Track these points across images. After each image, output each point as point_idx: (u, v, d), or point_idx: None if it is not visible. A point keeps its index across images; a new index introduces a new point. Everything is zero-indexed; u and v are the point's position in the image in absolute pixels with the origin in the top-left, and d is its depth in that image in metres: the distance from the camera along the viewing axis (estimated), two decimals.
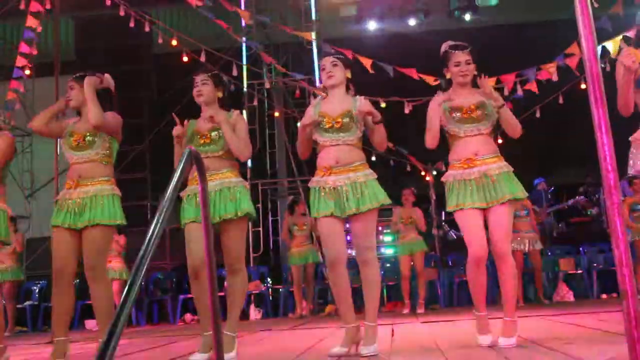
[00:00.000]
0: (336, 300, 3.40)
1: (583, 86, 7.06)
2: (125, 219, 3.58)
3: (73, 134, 3.58)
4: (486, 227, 3.29)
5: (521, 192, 3.24)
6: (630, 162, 3.12)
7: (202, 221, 1.90)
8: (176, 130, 3.45)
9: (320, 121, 3.30)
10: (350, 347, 3.22)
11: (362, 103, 3.32)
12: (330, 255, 3.27)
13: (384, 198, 3.26)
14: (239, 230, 3.41)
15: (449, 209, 3.31)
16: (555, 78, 7.62)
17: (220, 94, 3.56)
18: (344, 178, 3.24)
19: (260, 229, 10.20)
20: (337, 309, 3.46)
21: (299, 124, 3.35)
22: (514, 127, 3.28)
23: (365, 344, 3.16)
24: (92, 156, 3.53)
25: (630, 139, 3.12)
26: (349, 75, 3.42)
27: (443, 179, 3.38)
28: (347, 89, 3.44)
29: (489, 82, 3.31)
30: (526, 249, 7.48)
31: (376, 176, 3.33)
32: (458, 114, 3.28)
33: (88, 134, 3.55)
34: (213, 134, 3.45)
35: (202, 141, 3.44)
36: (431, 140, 3.34)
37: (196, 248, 3.33)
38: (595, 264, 8.53)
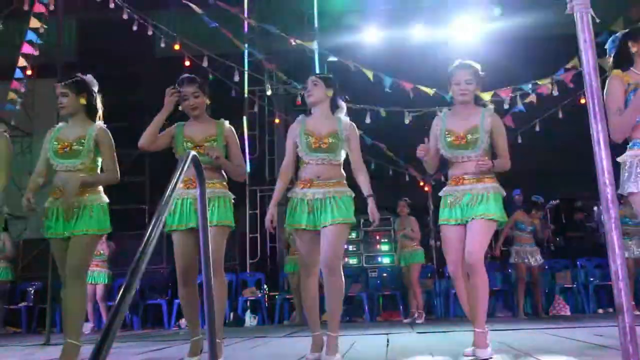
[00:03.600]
0: (307, 310, 3.45)
1: (583, 101, 7.09)
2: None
3: (59, 140, 3.48)
4: None
5: (495, 215, 3.27)
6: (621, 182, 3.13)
7: (200, 225, 1.90)
8: (172, 101, 3.44)
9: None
10: (321, 352, 3.32)
11: (347, 126, 3.44)
12: (305, 266, 3.40)
13: (352, 218, 3.35)
14: (220, 236, 3.39)
15: (439, 222, 3.49)
16: (555, 92, 7.65)
17: (208, 101, 3.56)
18: (323, 192, 3.33)
19: (257, 235, 10.18)
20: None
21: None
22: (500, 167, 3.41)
23: (328, 353, 3.20)
24: (78, 165, 3.45)
25: (618, 159, 3.13)
26: (330, 94, 3.48)
27: (440, 193, 3.53)
28: (334, 107, 3.50)
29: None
30: (529, 262, 7.51)
31: (353, 195, 3.41)
32: (450, 139, 3.38)
33: (75, 142, 3.47)
34: (207, 144, 3.45)
35: (195, 150, 3.41)
36: (429, 169, 3.56)
37: (185, 257, 3.38)
38: (591, 279, 8.53)
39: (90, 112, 3.58)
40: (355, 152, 3.47)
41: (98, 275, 7.93)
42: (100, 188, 3.54)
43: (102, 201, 3.51)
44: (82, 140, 3.47)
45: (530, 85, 7.73)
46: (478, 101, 3.50)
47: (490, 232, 3.35)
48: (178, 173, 1.54)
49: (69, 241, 3.41)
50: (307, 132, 3.40)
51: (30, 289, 9.05)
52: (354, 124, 3.52)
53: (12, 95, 8.32)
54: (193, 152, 1.73)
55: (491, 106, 3.54)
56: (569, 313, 8.04)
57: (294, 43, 8.06)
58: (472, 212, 3.28)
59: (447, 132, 3.40)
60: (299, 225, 3.34)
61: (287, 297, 8.64)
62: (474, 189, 3.32)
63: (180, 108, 3.53)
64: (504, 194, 3.39)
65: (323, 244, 3.29)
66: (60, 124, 3.64)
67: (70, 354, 3.26)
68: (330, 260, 3.27)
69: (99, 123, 3.57)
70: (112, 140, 3.57)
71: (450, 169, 3.48)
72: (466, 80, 3.37)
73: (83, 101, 3.53)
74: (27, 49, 7.85)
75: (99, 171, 3.57)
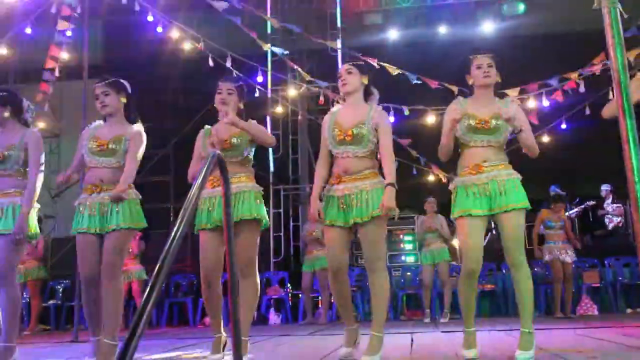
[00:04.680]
0: (338, 305, 3.43)
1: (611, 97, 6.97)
2: (148, 222, 3.60)
3: (97, 139, 3.53)
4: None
5: (526, 202, 3.15)
6: None
7: (224, 225, 1.92)
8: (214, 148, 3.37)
9: None
10: (353, 347, 3.31)
11: (375, 114, 3.32)
12: (332, 263, 3.30)
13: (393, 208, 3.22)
14: (251, 233, 3.39)
15: (453, 216, 3.27)
16: (582, 89, 7.54)
17: (242, 105, 3.57)
18: (352, 187, 3.25)
19: (281, 234, 10.23)
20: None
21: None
22: (530, 149, 3.25)
23: (367, 353, 3.14)
24: (114, 164, 3.50)
25: None
26: (365, 81, 3.41)
27: (450, 186, 3.34)
28: (368, 94, 3.44)
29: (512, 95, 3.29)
30: (563, 259, 7.40)
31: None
32: (472, 122, 3.21)
33: (112, 141, 3.51)
34: (234, 140, 3.46)
35: (222, 146, 3.43)
36: (444, 155, 3.30)
37: (209, 256, 3.38)
38: (620, 278, 8.38)
39: (128, 112, 3.63)
40: (384, 138, 3.28)
41: (131, 273, 7.97)
42: (132, 184, 3.56)
43: (138, 196, 3.54)
44: (119, 140, 3.51)
45: (556, 82, 7.63)
46: (497, 94, 3.37)
47: (524, 222, 3.19)
48: (203, 173, 1.56)
49: (101, 238, 3.44)
50: (335, 124, 3.34)
51: (59, 287, 9.21)
52: (384, 111, 3.41)
53: (39, 97, 8.47)
54: (216, 151, 1.74)
55: (510, 98, 3.46)
56: (596, 313, 7.91)
57: (319, 42, 8.08)
58: (502, 203, 3.12)
59: (467, 116, 3.23)
60: (330, 220, 3.27)
61: (311, 295, 8.66)
62: (498, 176, 3.15)
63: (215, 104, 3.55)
64: (521, 177, 3.24)
65: (363, 244, 3.26)
66: (97, 122, 3.67)
67: (106, 354, 3.30)
68: (373, 261, 3.24)
69: (138, 125, 3.61)
70: (144, 142, 3.58)
71: (464, 157, 3.28)
72: (488, 64, 3.26)
73: (124, 99, 3.59)
74: (54, 51, 7.98)
75: None
